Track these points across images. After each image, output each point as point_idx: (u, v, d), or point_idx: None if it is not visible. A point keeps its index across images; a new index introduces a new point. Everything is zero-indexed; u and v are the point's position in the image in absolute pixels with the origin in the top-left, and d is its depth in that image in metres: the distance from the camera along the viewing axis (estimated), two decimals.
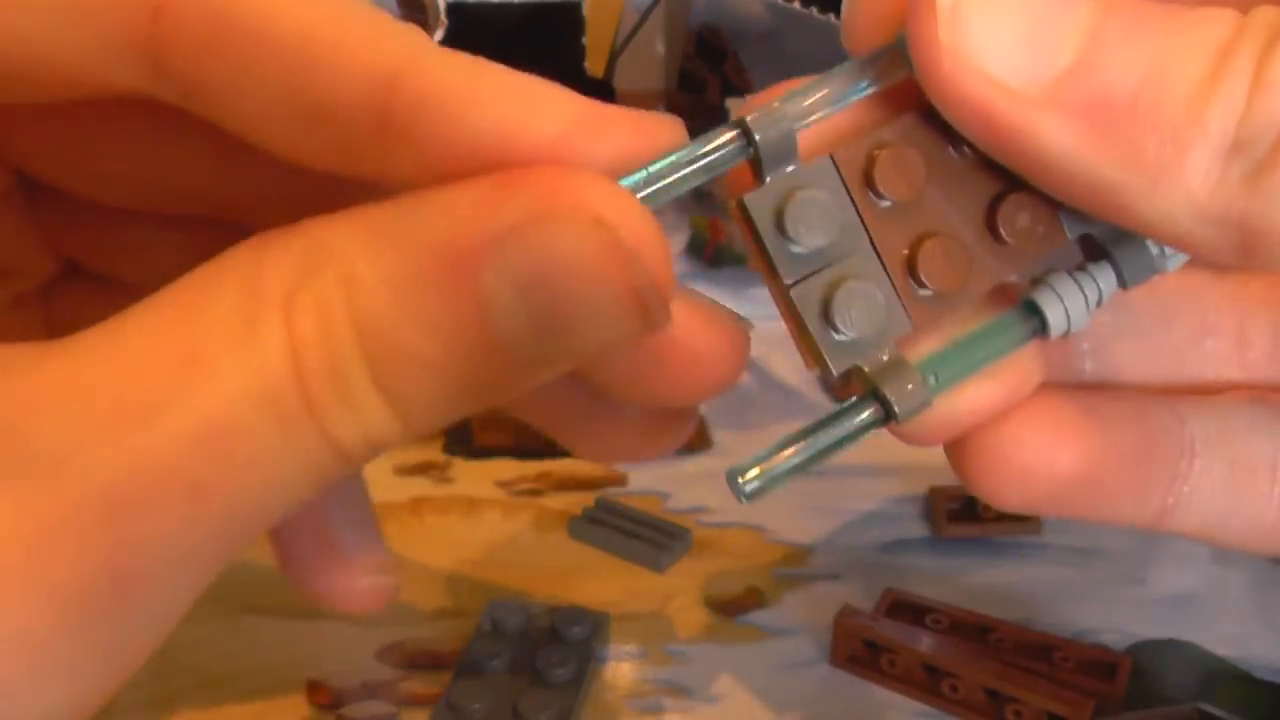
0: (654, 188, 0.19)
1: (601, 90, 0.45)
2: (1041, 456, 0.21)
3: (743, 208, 0.20)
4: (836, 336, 0.20)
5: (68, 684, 0.17)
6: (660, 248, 0.18)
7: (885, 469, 0.40)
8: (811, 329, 0.20)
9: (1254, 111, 0.16)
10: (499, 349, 0.17)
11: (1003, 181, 0.20)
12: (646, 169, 0.19)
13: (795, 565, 0.37)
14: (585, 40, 0.43)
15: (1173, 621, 0.34)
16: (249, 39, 0.17)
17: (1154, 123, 0.17)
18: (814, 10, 0.39)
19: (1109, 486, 0.21)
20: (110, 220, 0.23)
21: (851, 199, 0.20)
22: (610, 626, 0.34)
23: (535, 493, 0.39)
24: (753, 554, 0.37)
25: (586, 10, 0.42)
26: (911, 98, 0.20)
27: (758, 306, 0.46)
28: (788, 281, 0.20)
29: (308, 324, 0.17)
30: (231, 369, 0.16)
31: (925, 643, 0.32)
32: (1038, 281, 0.21)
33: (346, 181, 0.19)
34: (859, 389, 0.20)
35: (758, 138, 0.19)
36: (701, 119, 0.45)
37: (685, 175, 0.19)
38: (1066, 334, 0.20)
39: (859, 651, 0.33)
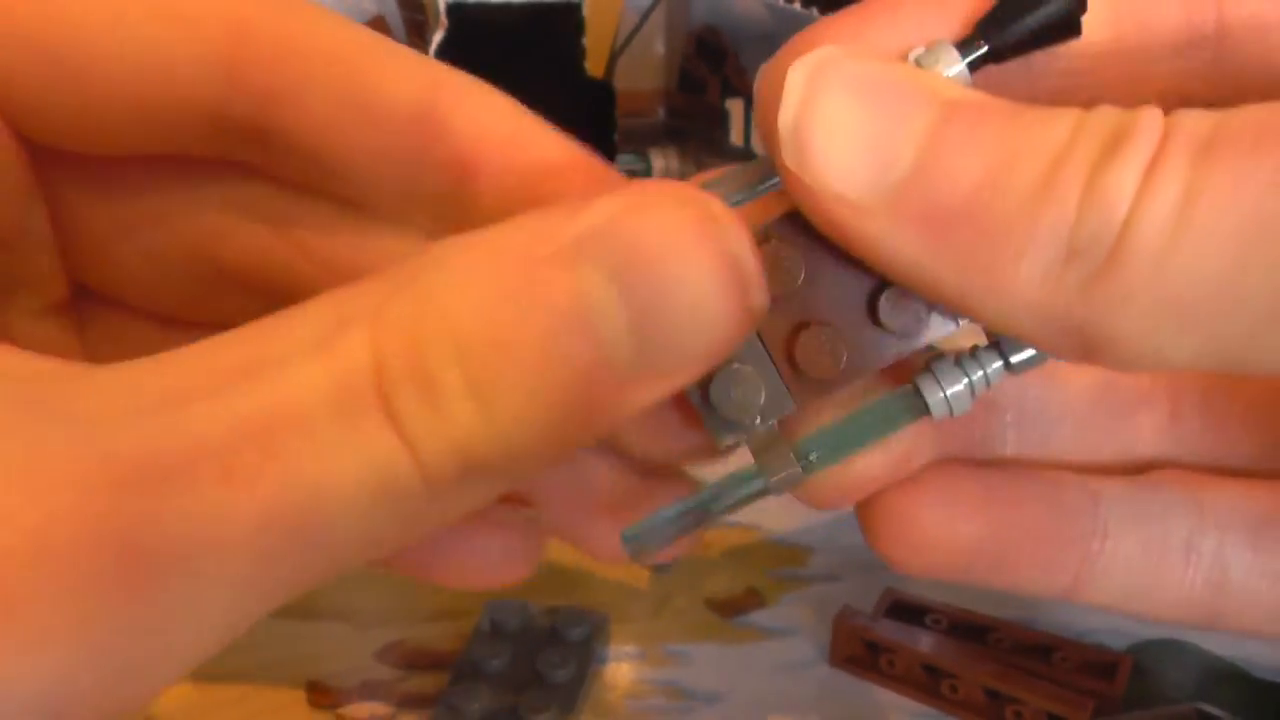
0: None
1: (601, 90, 0.45)
2: (940, 529, 0.21)
3: None
4: (720, 415, 0.21)
5: (54, 667, 0.15)
6: (745, 229, 0.17)
7: None
8: (697, 407, 0.21)
9: (1085, 221, 0.16)
10: (598, 348, 0.16)
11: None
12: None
13: (794, 566, 0.37)
14: (585, 41, 0.43)
15: None
16: (308, 52, 0.20)
17: (987, 230, 0.17)
18: (814, 11, 0.39)
19: (1013, 561, 0.22)
20: (130, 255, 0.23)
21: None
22: (610, 627, 0.34)
23: None
24: (752, 555, 0.37)
25: (586, 11, 0.42)
26: None
27: None
28: None
29: (395, 334, 0.16)
30: (299, 369, 0.16)
31: (925, 643, 0.32)
32: (927, 364, 0.22)
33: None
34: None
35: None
36: (701, 120, 0.45)
37: None
38: (950, 415, 0.21)
39: (858, 652, 0.33)
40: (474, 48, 0.42)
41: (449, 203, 0.20)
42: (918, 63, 0.20)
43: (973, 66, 0.20)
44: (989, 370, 0.21)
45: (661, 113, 0.46)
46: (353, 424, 0.16)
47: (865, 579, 0.36)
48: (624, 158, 0.46)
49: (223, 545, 0.15)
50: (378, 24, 0.43)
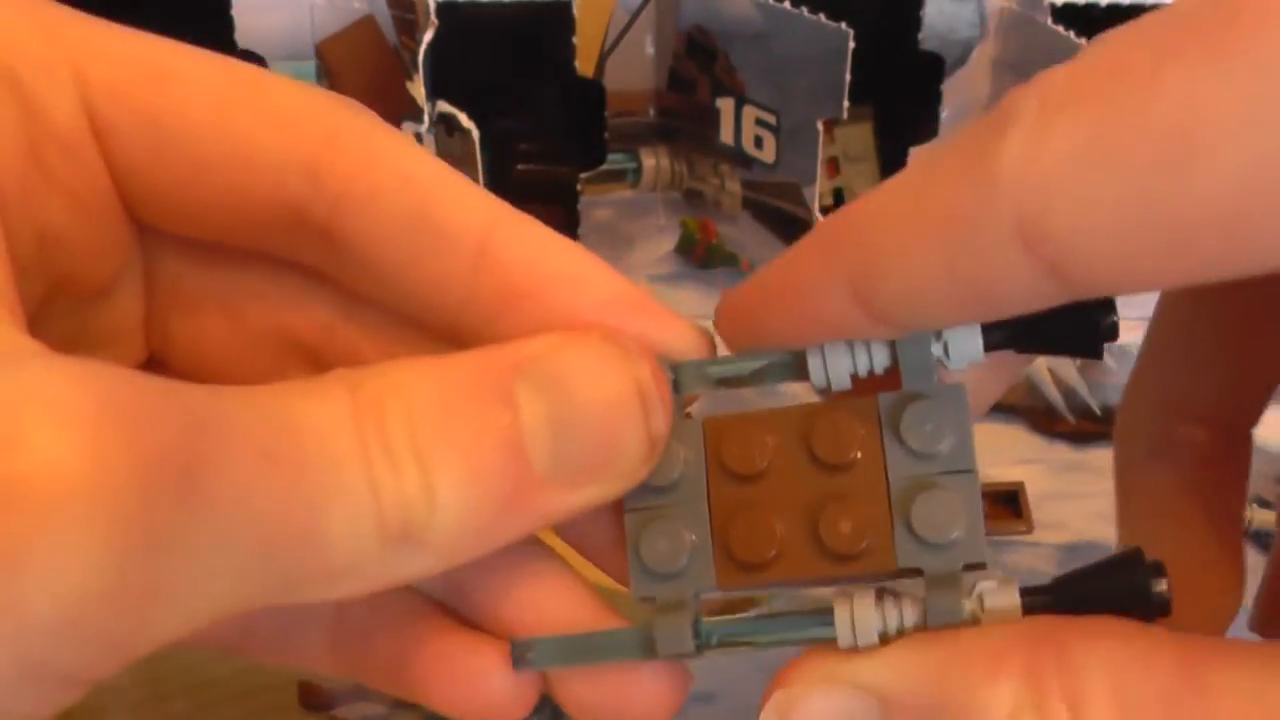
0: None
1: (591, 90, 0.45)
2: None
3: None
4: (645, 565, 0.22)
5: (83, 566, 0.16)
6: (653, 364, 0.21)
7: None
8: (629, 550, 0.22)
9: None
10: (526, 454, 0.20)
11: (843, 499, 0.22)
12: None
13: None
14: (575, 40, 0.43)
15: None
16: (387, 167, 0.22)
17: None
18: (804, 10, 0.39)
19: None
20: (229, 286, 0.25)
21: (705, 459, 0.23)
22: None
23: None
24: None
25: (577, 10, 0.42)
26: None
27: None
28: (626, 505, 0.22)
29: (367, 400, 0.19)
30: (303, 400, 0.19)
31: None
32: (849, 589, 0.22)
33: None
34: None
35: None
36: (691, 119, 0.45)
37: None
38: (855, 648, 0.22)
39: None
40: (464, 47, 0.42)
41: (493, 334, 0.22)
42: (946, 341, 0.22)
43: (990, 347, 0.22)
44: (905, 616, 0.22)
45: (652, 112, 0.46)
46: (338, 445, 0.19)
47: None
48: (614, 157, 0.46)
49: (240, 504, 0.17)
50: (367, 23, 0.43)
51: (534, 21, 0.43)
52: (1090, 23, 0.40)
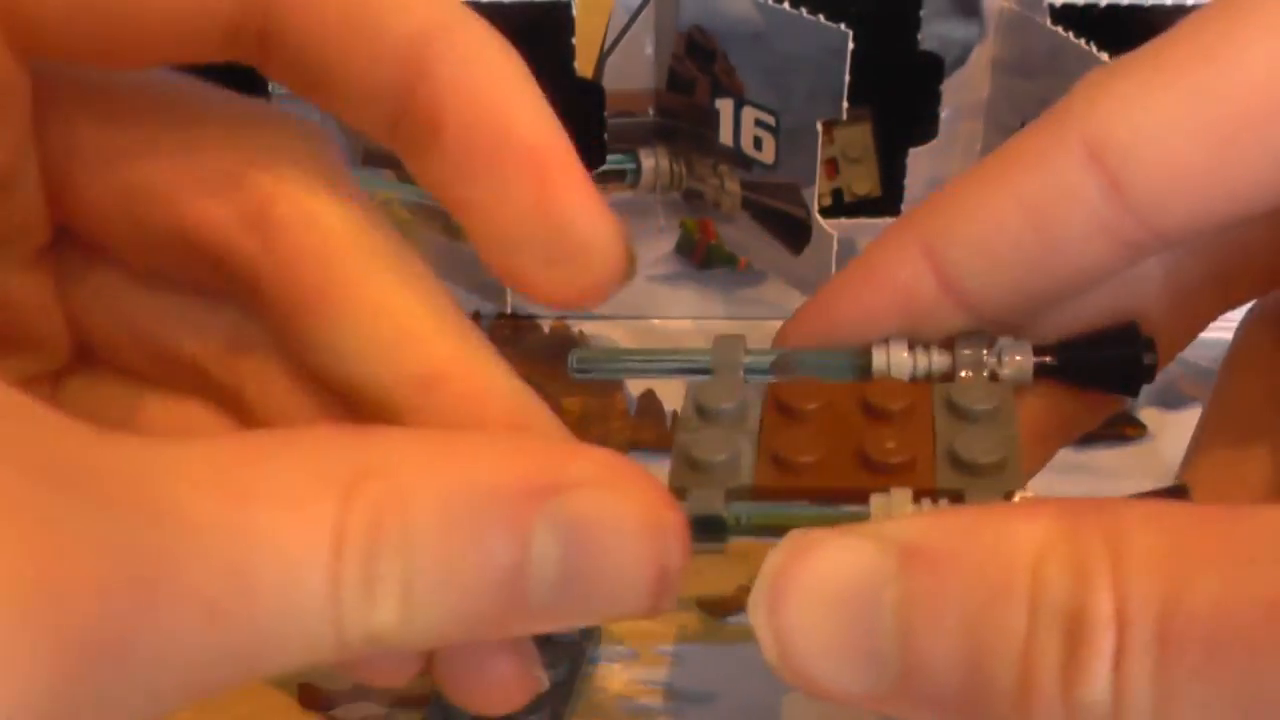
0: (614, 359, 0.27)
1: (590, 90, 0.45)
2: None
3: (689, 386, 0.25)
4: (685, 453, 0.23)
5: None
6: (687, 548, 0.20)
7: None
8: (674, 443, 0.23)
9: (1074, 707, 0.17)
10: (525, 593, 0.19)
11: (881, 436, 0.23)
12: (612, 351, 0.28)
13: None
14: (575, 40, 0.43)
15: None
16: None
17: (989, 709, 0.18)
18: (803, 10, 0.39)
19: None
20: (145, 307, 0.24)
21: (764, 405, 0.24)
22: (601, 628, 0.34)
23: None
24: (744, 554, 0.37)
25: (577, 10, 0.42)
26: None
27: (748, 307, 0.47)
28: (679, 426, 0.24)
29: (360, 516, 0.17)
30: (280, 520, 0.17)
31: None
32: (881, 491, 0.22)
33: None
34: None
35: (711, 355, 0.25)
36: (690, 119, 0.45)
37: (646, 369, 0.27)
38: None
39: None
40: None
41: (422, 151, 0.21)
42: (1000, 352, 0.24)
43: (1037, 371, 0.24)
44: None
45: (651, 112, 0.46)
46: (304, 587, 0.17)
47: None
48: (613, 157, 0.46)
49: (179, 657, 0.16)
50: None
51: (534, 21, 0.43)
52: (1090, 23, 0.40)
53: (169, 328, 0.24)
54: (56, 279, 0.24)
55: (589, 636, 0.33)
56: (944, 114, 0.45)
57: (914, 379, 0.24)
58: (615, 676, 0.33)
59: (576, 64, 0.44)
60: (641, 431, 0.42)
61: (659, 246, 0.48)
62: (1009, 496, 0.21)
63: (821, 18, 0.39)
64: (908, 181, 0.46)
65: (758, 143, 0.43)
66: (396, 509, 0.18)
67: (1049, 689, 0.17)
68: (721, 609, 0.35)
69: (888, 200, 0.48)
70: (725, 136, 0.44)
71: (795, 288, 0.44)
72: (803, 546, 0.20)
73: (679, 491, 0.23)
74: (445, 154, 0.20)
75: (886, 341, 0.24)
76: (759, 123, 0.42)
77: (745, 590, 0.35)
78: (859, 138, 0.49)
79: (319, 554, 0.17)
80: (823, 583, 0.19)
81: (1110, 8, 0.42)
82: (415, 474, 0.18)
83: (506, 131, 0.20)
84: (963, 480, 0.22)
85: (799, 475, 0.22)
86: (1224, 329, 0.31)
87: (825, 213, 0.42)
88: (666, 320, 0.49)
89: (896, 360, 0.24)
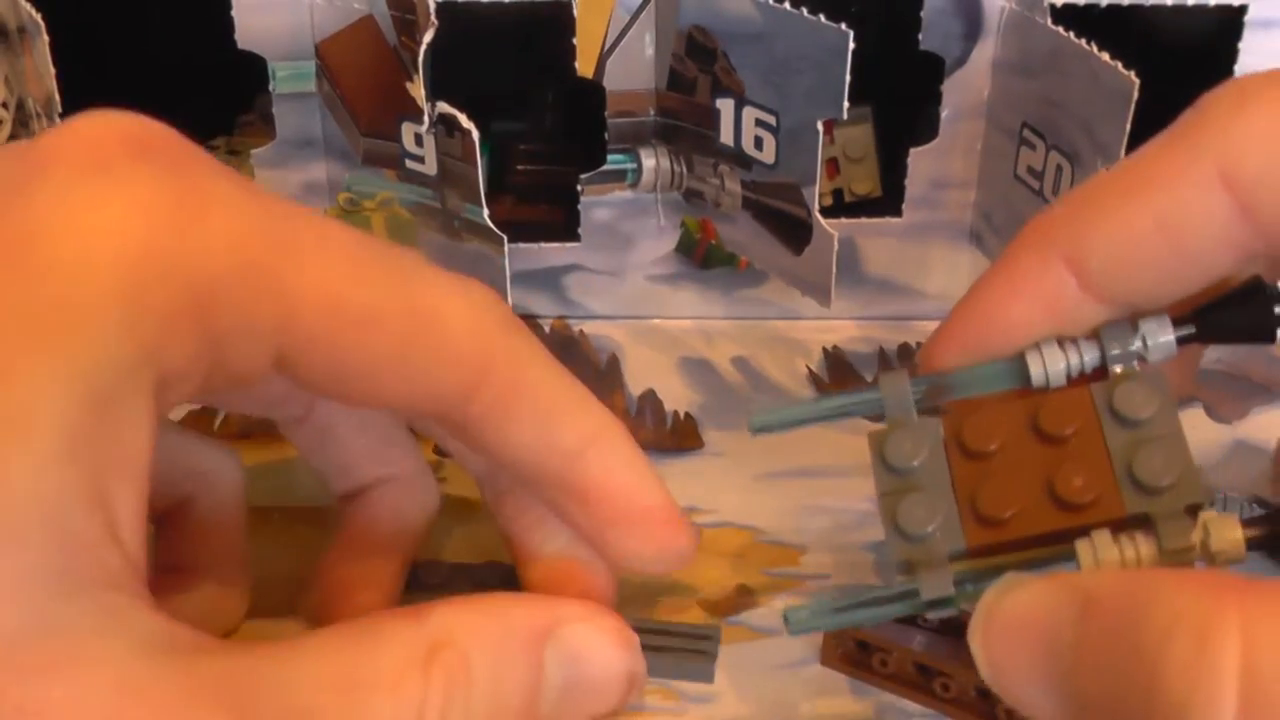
0: (794, 417, 0.29)
1: (591, 90, 0.45)
2: None
3: (869, 436, 0.28)
4: (900, 529, 0.26)
5: None
6: (640, 657, 0.28)
7: None
8: (884, 521, 0.26)
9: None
10: (539, 705, 0.26)
11: (1067, 462, 0.25)
12: (790, 409, 0.29)
13: (786, 565, 0.37)
14: (575, 40, 0.43)
15: None
16: (525, 390, 0.27)
17: None
18: (804, 10, 0.39)
19: None
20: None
21: (945, 445, 0.27)
22: None
23: None
24: (744, 554, 0.37)
25: (577, 10, 0.42)
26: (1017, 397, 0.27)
27: (747, 306, 0.47)
28: (879, 490, 0.27)
29: (437, 684, 0.24)
30: (379, 702, 0.23)
31: (917, 641, 0.32)
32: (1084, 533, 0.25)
33: None
34: (908, 578, 0.26)
35: (882, 395, 0.28)
36: (691, 119, 0.45)
37: (824, 416, 0.29)
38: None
39: (850, 651, 0.33)
40: (464, 47, 0.42)
41: (579, 519, 0.29)
42: (1144, 336, 0.26)
43: (1180, 342, 0.26)
44: (1140, 552, 0.24)
45: (651, 112, 0.46)
46: None
47: (857, 578, 0.36)
48: (614, 157, 0.46)
49: None
50: (367, 23, 0.43)
51: (534, 22, 0.43)
52: (1091, 23, 0.40)
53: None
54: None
55: None
56: (944, 113, 0.45)
57: (1069, 377, 0.27)
58: None
59: (577, 64, 0.44)
60: (641, 431, 0.42)
61: (659, 246, 0.48)
62: (1193, 510, 0.24)
63: (822, 17, 0.39)
64: (908, 181, 0.47)
65: (758, 142, 0.43)
66: (462, 668, 0.24)
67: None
68: (722, 609, 0.35)
69: (888, 200, 0.48)
70: (726, 136, 0.44)
71: (796, 288, 0.44)
72: (1012, 586, 0.24)
73: (904, 565, 0.26)
74: (590, 509, 0.28)
75: (1038, 346, 0.27)
76: (759, 122, 0.42)
77: (745, 590, 0.36)
78: (860, 137, 0.49)
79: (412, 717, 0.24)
80: (1021, 620, 0.23)
81: (1111, 8, 0.42)
82: (469, 638, 0.25)
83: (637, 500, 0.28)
84: (1148, 503, 0.24)
85: (1004, 529, 0.25)
86: None
87: (826, 213, 0.42)
88: (667, 320, 0.49)
89: (1051, 361, 0.27)
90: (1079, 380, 0.27)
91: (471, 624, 0.25)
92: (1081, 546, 0.24)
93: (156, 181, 0.23)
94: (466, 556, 0.36)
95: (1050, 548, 0.25)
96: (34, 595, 0.20)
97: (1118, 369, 0.26)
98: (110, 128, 0.23)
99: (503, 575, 0.34)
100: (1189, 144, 0.26)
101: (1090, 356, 0.27)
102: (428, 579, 0.34)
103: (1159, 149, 0.26)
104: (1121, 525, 0.25)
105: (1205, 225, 0.25)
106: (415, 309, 0.25)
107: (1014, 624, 0.23)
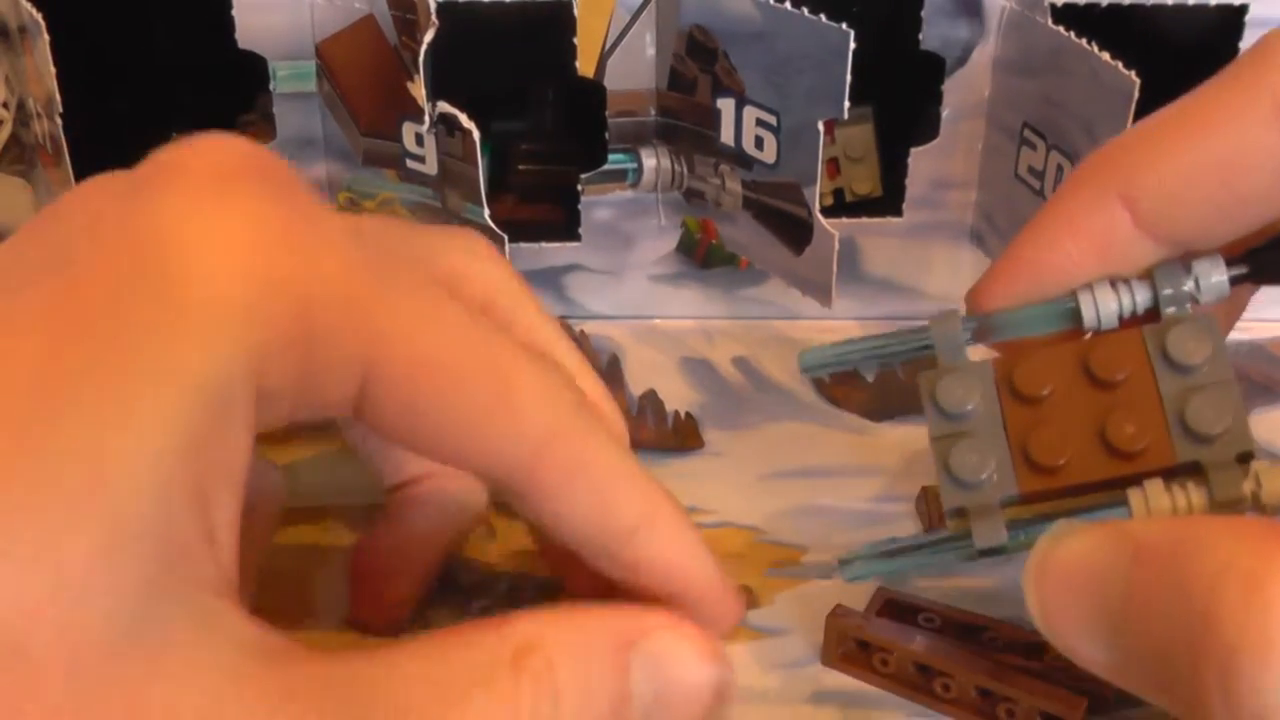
0: (843, 354, 0.29)
1: (591, 90, 0.45)
2: None
3: (921, 377, 0.28)
4: (954, 477, 0.26)
5: None
6: (729, 667, 0.26)
7: (877, 469, 0.40)
8: (938, 469, 0.26)
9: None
10: (630, 712, 0.25)
11: (1120, 409, 0.26)
12: (839, 345, 0.29)
13: (788, 565, 0.37)
14: (576, 40, 0.43)
15: None
16: (588, 469, 0.26)
17: (1177, 702, 0.22)
18: (805, 10, 0.39)
19: None
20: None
21: (997, 389, 0.27)
22: None
23: None
24: (745, 554, 0.37)
25: (577, 10, 0.42)
26: (1068, 340, 0.27)
27: (748, 306, 0.47)
28: (932, 434, 0.27)
29: (526, 686, 0.23)
30: (474, 701, 0.23)
31: (918, 642, 0.32)
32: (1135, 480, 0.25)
33: None
34: (960, 525, 0.27)
35: (933, 338, 0.28)
36: (691, 119, 0.45)
37: (873, 355, 0.29)
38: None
39: (851, 651, 0.33)
40: (465, 47, 0.42)
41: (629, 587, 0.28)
42: (1197, 277, 0.26)
43: (1232, 282, 0.26)
44: (1191, 500, 0.25)
45: (652, 112, 0.46)
46: None
47: None
48: (614, 157, 0.46)
49: None
50: (367, 23, 0.43)
51: (535, 21, 0.43)
52: (1091, 22, 0.40)
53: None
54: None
55: None
56: (945, 114, 0.45)
57: (1120, 318, 0.27)
58: None
59: (578, 64, 0.44)
60: (642, 431, 0.42)
61: (660, 246, 0.48)
62: (1244, 459, 0.24)
63: (823, 17, 0.39)
64: (909, 181, 0.46)
65: (759, 142, 0.43)
66: (547, 673, 0.24)
67: (1215, 699, 0.20)
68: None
69: (889, 200, 0.48)
70: (726, 136, 0.44)
71: (796, 288, 0.44)
72: (1065, 534, 0.24)
73: (957, 512, 0.26)
74: (641, 584, 0.28)
75: (1090, 286, 0.27)
76: (760, 122, 0.42)
77: (747, 590, 0.35)
78: (860, 137, 0.49)
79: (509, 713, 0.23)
80: (1073, 568, 0.23)
81: (1111, 7, 0.42)
82: (555, 645, 0.24)
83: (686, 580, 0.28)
84: (1199, 451, 0.25)
85: (1056, 476, 0.25)
86: (1239, 331, 0.31)
87: (826, 212, 0.42)
88: (668, 320, 0.49)
89: (1104, 301, 0.26)
90: (1130, 322, 0.27)
91: (555, 632, 0.25)
92: (1134, 495, 0.25)
93: (275, 201, 0.23)
94: (503, 564, 0.36)
95: (1101, 494, 0.26)
96: (138, 593, 0.20)
97: (1170, 310, 0.26)
98: (230, 147, 0.24)
99: (538, 583, 0.34)
100: (1249, 82, 0.26)
101: (1142, 297, 0.27)
102: (461, 577, 0.35)
103: (1218, 87, 0.26)
104: (1173, 473, 0.25)
105: (1263, 164, 0.26)
106: (494, 373, 0.25)
107: (1067, 572, 0.23)
